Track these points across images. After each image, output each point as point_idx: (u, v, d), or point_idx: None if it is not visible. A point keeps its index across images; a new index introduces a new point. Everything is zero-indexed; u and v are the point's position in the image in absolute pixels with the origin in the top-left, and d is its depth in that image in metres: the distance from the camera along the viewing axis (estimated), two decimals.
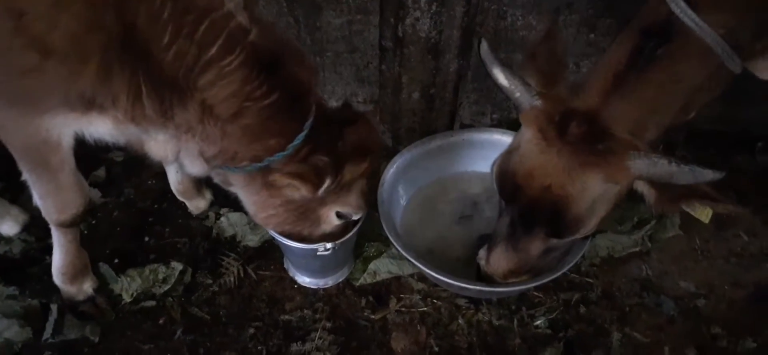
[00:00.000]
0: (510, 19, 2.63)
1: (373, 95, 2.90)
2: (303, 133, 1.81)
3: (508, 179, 1.87)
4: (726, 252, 2.63)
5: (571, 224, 1.83)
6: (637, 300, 2.46)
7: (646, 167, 1.67)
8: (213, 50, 1.63)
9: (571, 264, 2.26)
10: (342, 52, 2.70)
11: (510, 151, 1.91)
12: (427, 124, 2.84)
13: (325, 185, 1.84)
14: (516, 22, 2.62)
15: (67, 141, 1.85)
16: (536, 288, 2.44)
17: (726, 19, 1.67)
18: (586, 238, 2.06)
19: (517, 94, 1.81)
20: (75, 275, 2.31)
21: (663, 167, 1.64)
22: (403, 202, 2.64)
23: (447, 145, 2.71)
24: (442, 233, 2.59)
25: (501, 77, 1.82)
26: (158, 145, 1.98)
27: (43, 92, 1.67)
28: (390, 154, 2.65)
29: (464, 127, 2.98)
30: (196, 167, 1.94)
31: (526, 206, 1.86)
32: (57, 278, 2.31)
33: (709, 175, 1.61)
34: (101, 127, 1.79)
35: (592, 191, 1.76)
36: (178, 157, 1.97)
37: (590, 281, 2.51)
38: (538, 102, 1.78)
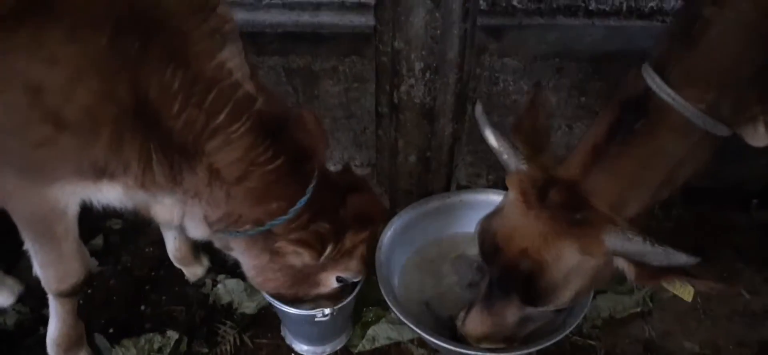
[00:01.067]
0: (502, 85, 2.70)
1: (370, 159, 2.95)
2: (305, 198, 1.84)
3: (488, 238, 1.88)
4: (728, 311, 2.60)
5: (545, 292, 1.80)
6: None
7: (620, 243, 1.66)
8: (221, 117, 1.69)
9: (572, 327, 2.22)
10: (340, 118, 2.77)
11: (494, 212, 1.92)
12: (423, 187, 2.87)
13: (327, 252, 1.86)
14: (507, 87, 2.69)
15: (73, 209, 1.87)
16: (539, 352, 2.39)
17: (702, 94, 1.67)
18: (561, 311, 2.00)
19: (505, 157, 1.85)
20: (70, 346, 2.27)
21: (637, 245, 1.63)
22: (401, 264, 2.63)
23: (444, 206, 2.72)
24: (442, 295, 2.56)
25: (492, 139, 1.87)
26: (164, 209, 2.00)
27: (56, 163, 1.70)
28: (387, 217, 2.65)
29: (461, 188, 3.00)
30: (199, 231, 1.96)
31: (503, 268, 1.85)
32: (51, 349, 2.26)
33: (682, 259, 1.60)
34: (110, 194, 1.82)
35: (567, 260, 1.74)
36: (182, 220, 1.98)
37: (593, 343, 2.47)
38: (523, 166, 1.81)
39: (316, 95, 2.71)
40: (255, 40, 2.47)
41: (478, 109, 1.92)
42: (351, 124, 2.81)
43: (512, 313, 1.95)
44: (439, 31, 2.38)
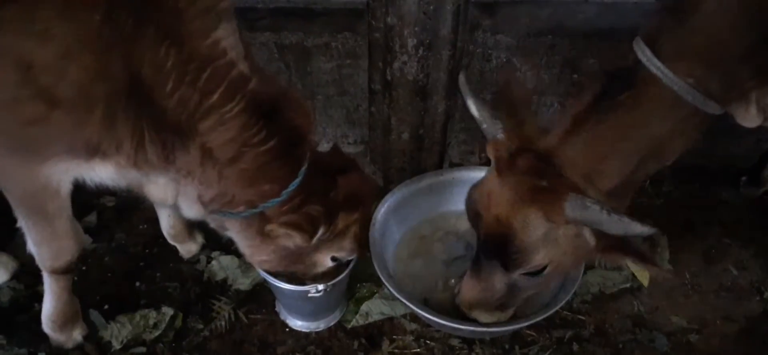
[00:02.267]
0: (495, 61, 2.69)
1: (363, 136, 2.95)
2: (297, 180, 1.84)
3: (472, 206, 1.93)
4: (716, 286, 2.65)
5: (515, 257, 1.84)
6: (629, 337, 2.46)
7: (579, 211, 1.67)
8: (214, 97, 1.68)
9: (563, 301, 2.27)
10: (332, 96, 2.76)
11: (480, 181, 1.96)
12: (416, 164, 2.88)
13: (319, 234, 1.87)
14: (501, 64, 2.69)
15: (66, 187, 1.86)
16: (529, 327, 2.43)
17: (692, 68, 1.67)
18: (537, 273, 1.97)
19: (485, 126, 1.88)
20: (65, 322, 2.28)
21: (594, 213, 1.63)
22: (394, 241, 2.65)
23: (437, 184, 2.73)
24: (434, 272, 2.59)
25: (473, 108, 1.89)
26: (158, 188, 2.01)
27: (48, 141, 1.69)
28: (381, 194, 2.67)
29: (454, 166, 3.02)
30: (194, 211, 1.97)
31: (484, 235, 1.90)
32: (46, 325, 2.28)
33: (638, 228, 1.61)
34: (103, 173, 1.81)
35: (535, 227, 1.77)
36: (176, 200, 1.99)
37: (582, 318, 2.51)
38: (500, 135, 1.83)
39: (308, 72, 2.69)
40: (246, 15, 2.45)
41: (461, 78, 1.94)
42: (344, 101, 2.80)
43: (498, 279, 1.99)
44: (432, 7, 2.37)
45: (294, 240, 1.87)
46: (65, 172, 1.80)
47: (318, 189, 1.90)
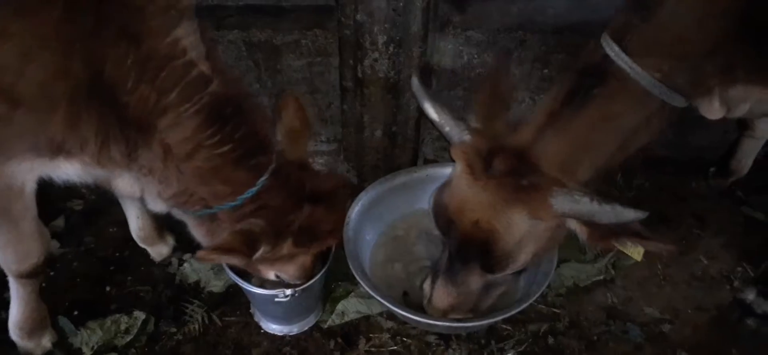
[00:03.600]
0: (466, 58, 2.69)
1: (336, 135, 2.93)
2: (254, 189, 1.82)
3: (441, 212, 1.89)
4: (688, 276, 2.68)
5: (501, 260, 1.83)
6: (604, 328, 2.48)
7: (568, 205, 1.67)
8: (172, 96, 1.67)
9: (537, 295, 2.27)
10: (303, 93, 2.73)
11: (444, 185, 1.92)
12: (390, 161, 2.88)
13: (258, 254, 1.83)
14: (472, 60, 2.69)
15: (31, 187, 1.84)
16: (504, 321, 2.44)
17: (659, 64, 1.69)
18: (519, 272, 2.00)
19: (447, 129, 1.83)
20: (33, 329, 2.24)
21: (585, 205, 1.64)
22: (369, 240, 2.64)
23: (411, 181, 2.72)
24: (409, 269, 2.58)
25: (431, 112, 1.85)
26: (125, 182, 2.00)
27: (11, 140, 1.67)
28: (355, 192, 2.65)
29: (428, 162, 3.01)
30: (158, 206, 1.96)
31: (459, 240, 1.86)
32: (14, 333, 2.24)
33: (631, 214, 1.62)
34: (68, 170, 1.80)
35: (519, 226, 1.76)
36: (142, 194, 1.98)
37: (557, 311, 2.53)
38: (467, 137, 1.81)
39: (278, 70, 2.67)
40: (214, 13, 2.42)
41: (414, 82, 1.90)
42: (315, 99, 2.78)
43: (475, 281, 1.98)
44: (401, 4, 2.37)
45: (232, 261, 1.84)
46: (29, 172, 1.78)
47: (278, 205, 1.87)
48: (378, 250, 2.65)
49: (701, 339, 2.46)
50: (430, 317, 2.25)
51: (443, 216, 1.87)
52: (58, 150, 1.70)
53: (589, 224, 1.73)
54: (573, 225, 1.79)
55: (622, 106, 1.74)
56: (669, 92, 1.72)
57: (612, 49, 1.72)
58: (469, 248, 1.85)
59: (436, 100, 1.87)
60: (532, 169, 1.72)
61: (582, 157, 1.78)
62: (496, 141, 1.78)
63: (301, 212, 1.90)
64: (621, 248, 1.76)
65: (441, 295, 2.06)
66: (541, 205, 1.70)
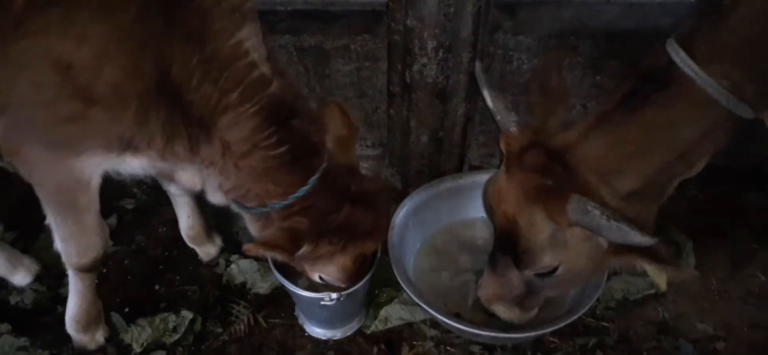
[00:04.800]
0: (516, 63, 2.65)
1: (381, 139, 2.92)
2: (304, 189, 1.85)
3: (486, 199, 1.93)
4: (743, 293, 2.58)
5: (524, 256, 1.82)
6: (654, 344, 2.41)
7: (579, 213, 1.62)
8: (233, 96, 1.73)
9: (586, 307, 2.22)
10: (351, 98, 2.74)
11: (494, 175, 1.95)
12: (436, 167, 2.85)
13: (302, 251, 1.85)
14: (522, 65, 2.65)
15: (96, 181, 1.92)
16: (552, 334, 2.39)
17: (728, 71, 1.63)
18: (550, 277, 1.94)
19: (499, 118, 1.86)
20: (89, 323, 2.31)
21: (594, 219, 1.59)
22: (413, 246, 2.63)
23: (456, 187, 2.70)
24: (456, 281, 2.56)
25: (488, 98, 1.88)
26: (187, 174, 2.07)
27: (85, 137, 1.76)
28: (399, 198, 2.65)
29: (473, 169, 2.98)
30: (217, 198, 2.01)
31: (497, 229, 1.91)
32: (70, 326, 2.31)
33: (637, 238, 1.56)
34: (134, 165, 1.88)
35: (540, 228, 1.74)
36: (203, 186, 2.04)
37: (606, 325, 2.47)
38: (514, 127, 1.81)
39: (327, 74, 2.68)
40: (266, 18, 2.40)
41: (478, 66, 1.94)
42: (362, 103, 2.78)
43: (514, 275, 1.97)
44: (452, 9, 2.34)
45: (276, 256, 1.86)
46: (98, 166, 1.86)
47: (323, 206, 1.90)
48: (423, 258, 2.64)
49: None
50: (475, 326, 2.25)
51: (487, 203, 1.92)
52: (127, 146, 1.78)
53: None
54: (601, 241, 1.75)
55: (683, 113, 1.68)
56: (737, 102, 1.65)
57: (678, 55, 1.66)
58: (503, 238, 1.87)
59: (494, 87, 1.89)
60: (566, 170, 1.69)
61: (630, 163, 1.72)
62: (538, 137, 1.77)
63: (341, 213, 1.92)
64: (644, 269, 1.71)
65: (486, 282, 2.09)
66: (558, 208, 1.66)
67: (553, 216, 1.69)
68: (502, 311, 2.11)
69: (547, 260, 1.82)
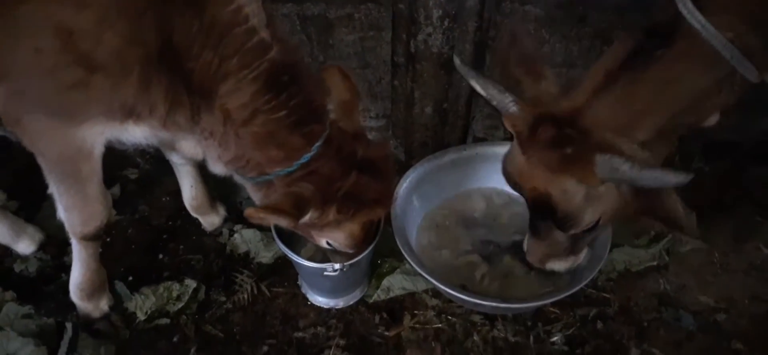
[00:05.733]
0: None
1: (385, 110, 2.90)
2: (309, 155, 1.84)
3: (509, 177, 1.93)
4: (746, 265, 2.58)
5: (567, 221, 1.84)
6: (655, 315, 2.42)
7: (609, 170, 1.64)
8: (233, 62, 1.72)
9: (588, 279, 2.23)
10: (354, 68, 2.70)
11: (509, 150, 1.94)
12: (439, 139, 2.84)
13: (307, 217, 1.84)
14: (529, 36, 2.61)
15: (99, 150, 1.91)
16: (553, 304, 2.41)
17: (734, 22, 1.62)
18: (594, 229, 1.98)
19: (496, 102, 1.83)
20: (93, 291, 2.32)
21: (625, 172, 1.61)
22: (416, 217, 2.63)
23: (460, 159, 2.69)
24: (456, 248, 2.56)
25: (478, 87, 1.85)
26: (189, 144, 2.07)
27: (86, 104, 1.75)
28: (403, 169, 2.64)
29: (477, 140, 2.97)
30: (218, 168, 2.01)
31: (529, 202, 1.91)
32: (74, 294, 2.32)
33: (673, 178, 1.58)
34: (136, 133, 1.87)
35: (574, 192, 1.76)
36: (204, 156, 2.03)
37: (607, 296, 2.48)
38: (514, 107, 1.79)
39: (330, 44, 2.65)
40: None
41: (457, 61, 1.91)
42: (366, 74, 2.75)
43: (558, 234, 1.99)
44: None
45: (280, 222, 1.86)
46: (100, 135, 1.86)
47: (328, 172, 1.88)
48: (423, 233, 2.63)
49: (757, 331, 2.37)
50: (476, 295, 2.26)
51: (511, 181, 1.92)
52: (129, 114, 1.77)
53: (632, 192, 1.71)
54: (625, 191, 1.76)
55: (690, 67, 1.68)
56: (741, 58, 1.64)
57: (685, 7, 1.64)
58: (538, 209, 1.88)
59: (481, 74, 1.87)
60: (580, 134, 1.69)
61: (641, 119, 1.73)
62: (543, 109, 1.76)
63: (348, 179, 1.90)
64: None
65: (533, 248, 2.13)
66: (586, 172, 1.68)
67: (584, 179, 1.72)
68: (558, 265, 2.15)
69: (588, 218, 1.84)
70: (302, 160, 1.84)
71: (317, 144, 1.85)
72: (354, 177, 1.91)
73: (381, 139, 2.81)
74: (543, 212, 1.88)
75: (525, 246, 2.20)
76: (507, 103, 1.80)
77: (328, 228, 2.02)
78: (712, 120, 1.89)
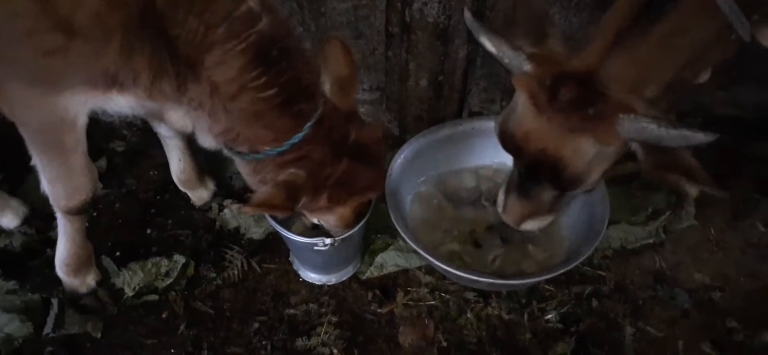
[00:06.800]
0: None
1: (379, 82, 2.83)
2: (301, 134, 1.78)
3: (508, 139, 1.89)
4: (742, 243, 2.56)
5: (571, 181, 1.83)
6: (650, 293, 2.40)
7: (635, 131, 1.64)
8: (219, 31, 1.64)
9: (584, 257, 2.20)
10: (347, 38, 2.62)
11: (509, 111, 1.89)
12: (435, 113, 2.78)
13: (299, 204, 1.82)
14: None
15: (83, 120, 1.85)
16: (547, 281, 2.38)
17: None
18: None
19: (507, 61, 1.79)
20: (79, 266, 2.27)
21: (652, 131, 1.60)
22: (410, 192, 2.58)
23: (456, 134, 2.63)
24: (451, 225, 2.52)
25: (488, 44, 1.80)
26: (177, 115, 2.00)
27: (67, 71, 1.68)
28: (397, 144, 2.58)
29: (473, 114, 2.91)
30: (207, 141, 1.95)
31: (528, 164, 1.88)
32: (60, 269, 2.27)
33: (699, 137, 1.57)
34: (121, 103, 1.81)
35: (586, 153, 1.75)
36: (194, 129, 1.97)
37: (602, 273, 2.45)
38: (528, 66, 1.75)
39: (322, 13, 2.56)
40: None
41: (467, 15, 1.85)
42: (359, 44, 2.68)
43: (547, 194, 1.98)
44: None
45: (275, 213, 1.84)
46: (83, 104, 1.79)
47: (320, 156, 1.83)
48: (419, 203, 2.59)
49: (752, 308, 2.36)
50: (470, 271, 2.23)
51: (510, 143, 1.88)
52: (112, 82, 1.70)
53: (649, 149, 1.70)
54: (635, 147, 1.75)
55: (695, 18, 1.67)
56: (737, 11, 1.61)
57: None
58: (538, 171, 1.86)
59: (491, 31, 1.80)
60: (597, 95, 1.67)
61: (652, 74, 1.72)
62: (558, 67, 1.73)
63: (339, 166, 1.86)
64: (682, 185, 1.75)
65: (514, 208, 2.08)
66: (609, 133, 1.68)
67: (604, 140, 1.71)
68: (532, 224, 2.12)
69: (594, 178, 1.84)
70: (293, 141, 1.79)
71: (309, 124, 1.79)
72: (345, 164, 1.87)
73: (374, 120, 2.76)
74: (543, 175, 1.86)
75: (500, 206, 2.16)
76: (520, 62, 1.76)
77: (319, 212, 2.00)
78: (704, 77, 1.91)
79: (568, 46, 1.82)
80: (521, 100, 1.81)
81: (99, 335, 2.22)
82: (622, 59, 1.68)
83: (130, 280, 2.35)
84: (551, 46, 1.80)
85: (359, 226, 2.17)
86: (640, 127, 1.62)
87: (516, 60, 1.76)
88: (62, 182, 1.98)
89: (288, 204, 1.76)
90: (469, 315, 2.32)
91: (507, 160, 2.06)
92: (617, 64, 1.68)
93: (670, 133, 1.58)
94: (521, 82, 1.77)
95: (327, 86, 1.89)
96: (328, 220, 2.07)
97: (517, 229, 2.14)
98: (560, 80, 1.70)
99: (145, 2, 1.58)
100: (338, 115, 1.88)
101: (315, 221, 2.10)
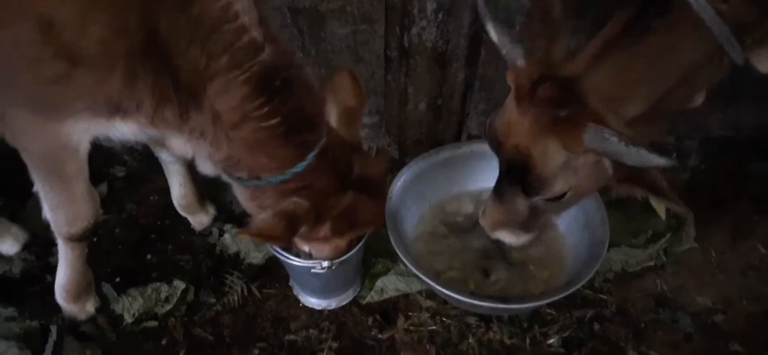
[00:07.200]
0: (518, 28, 2.56)
1: (378, 106, 2.84)
2: (303, 164, 1.79)
3: (492, 133, 1.91)
4: (743, 265, 2.56)
5: (535, 184, 1.84)
6: (652, 316, 2.39)
7: (598, 142, 1.64)
8: (221, 61, 1.65)
9: (585, 280, 2.20)
10: (347, 63, 2.64)
11: (501, 108, 1.92)
12: (434, 136, 2.79)
13: (299, 233, 1.82)
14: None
15: (85, 147, 1.86)
16: (549, 305, 2.37)
17: None
18: (559, 198, 1.97)
19: (505, 52, 1.82)
20: (79, 293, 2.27)
21: (613, 145, 1.62)
22: (410, 216, 2.58)
23: (455, 157, 2.64)
24: (451, 249, 2.52)
25: (493, 33, 1.83)
26: (179, 142, 1.99)
27: (70, 99, 1.69)
28: (397, 167, 2.59)
29: (472, 138, 2.92)
30: (207, 167, 1.95)
31: (504, 161, 1.91)
32: (59, 296, 2.26)
33: (656, 160, 1.59)
34: (124, 130, 1.81)
35: (554, 156, 1.76)
36: (194, 155, 1.98)
37: (604, 297, 2.44)
38: (521, 62, 1.78)
39: (322, 37, 2.58)
40: None
41: (480, 1, 1.87)
42: (359, 68, 2.69)
43: (521, 201, 1.99)
44: None
45: (272, 243, 1.83)
46: (86, 131, 1.80)
47: (323, 187, 1.84)
48: (419, 227, 2.58)
49: (755, 331, 2.35)
50: (472, 296, 2.22)
51: (493, 137, 1.91)
52: (115, 110, 1.71)
53: (616, 164, 1.73)
54: (606, 163, 1.78)
55: (683, 38, 1.67)
56: (728, 35, 1.61)
57: None
58: (512, 169, 1.88)
59: (498, 21, 1.83)
60: (576, 100, 1.68)
61: (634, 90, 1.72)
62: (547, 69, 1.75)
63: (344, 198, 1.86)
64: (651, 201, 1.78)
65: (491, 211, 2.10)
66: (574, 138, 1.68)
67: (568, 146, 1.71)
68: (507, 236, 2.14)
69: (558, 187, 1.84)
70: (296, 170, 1.79)
71: (312, 154, 1.80)
72: (350, 197, 1.87)
73: (377, 149, 2.78)
74: (515, 174, 1.88)
75: (480, 212, 2.18)
76: (516, 54, 1.79)
77: (316, 242, 2.00)
78: (698, 100, 1.90)
79: (569, 53, 1.83)
80: (510, 96, 1.85)
81: None
82: (604, 70, 1.70)
83: (129, 306, 2.34)
84: (553, 50, 1.81)
85: (357, 248, 2.17)
86: (603, 139, 1.63)
87: (513, 53, 1.79)
88: (64, 208, 1.98)
89: (287, 235, 1.76)
90: (470, 340, 2.30)
91: None
92: (599, 74, 1.70)
93: (630, 150, 1.60)
94: (512, 77, 1.81)
95: (333, 117, 1.90)
96: (321, 250, 2.07)
97: (491, 237, 2.16)
98: (543, 79, 1.72)
99: (148, 31, 1.59)
100: (343, 147, 1.89)
101: (305, 249, 2.10)
